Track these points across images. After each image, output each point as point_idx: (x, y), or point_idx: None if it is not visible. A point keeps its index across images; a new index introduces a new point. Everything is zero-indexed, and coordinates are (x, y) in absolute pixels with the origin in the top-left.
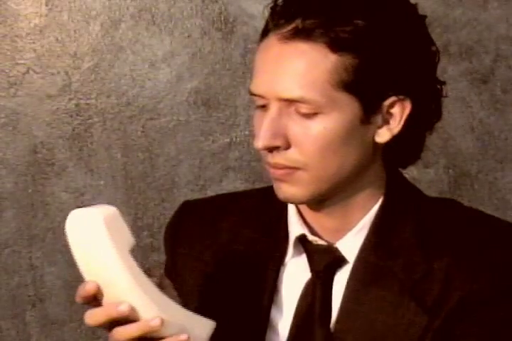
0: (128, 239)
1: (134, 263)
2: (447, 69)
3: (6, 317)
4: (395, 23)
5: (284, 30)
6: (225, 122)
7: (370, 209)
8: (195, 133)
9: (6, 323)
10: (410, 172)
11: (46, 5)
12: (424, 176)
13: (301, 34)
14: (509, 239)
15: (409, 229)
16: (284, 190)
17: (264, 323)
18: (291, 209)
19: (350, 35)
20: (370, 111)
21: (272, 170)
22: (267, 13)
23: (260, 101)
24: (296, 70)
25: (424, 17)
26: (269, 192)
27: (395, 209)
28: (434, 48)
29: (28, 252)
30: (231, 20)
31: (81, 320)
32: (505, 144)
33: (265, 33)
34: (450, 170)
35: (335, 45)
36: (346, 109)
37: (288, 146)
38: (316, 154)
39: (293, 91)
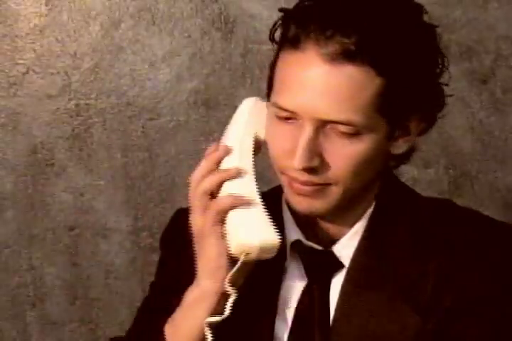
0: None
1: (251, 150)
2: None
3: (6, 318)
4: (423, 43)
5: (329, 49)
6: (225, 122)
7: (365, 213)
8: (195, 133)
9: (6, 323)
10: (410, 172)
11: (46, 5)
12: (424, 176)
13: (349, 55)
14: (502, 238)
15: (403, 231)
16: (308, 205)
17: (269, 329)
18: (287, 214)
19: (393, 58)
20: (395, 130)
21: (296, 186)
22: (266, 14)
23: (285, 114)
24: (344, 93)
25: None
26: (264, 196)
27: (388, 211)
28: (445, 62)
29: (28, 252)
30: (231, 20)
31: (81, 320)
32: (505, 144)
33: (295, 45)
34: (450, 170)
35: (381, 69)
36: (379, 129)
37: (322, 166)
38: (350, 172)
39: (340, 115)
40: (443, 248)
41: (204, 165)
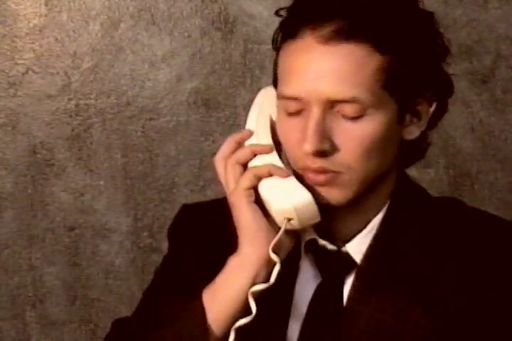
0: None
1: (269, 132)
2: (447, 70)
3: (5, 318)
4: (421, 22)
5: (323, 31)
6: (225, 122)
7: (379, 211)
8: (195, 133)
9: (6, 323)
10: (410, 172)
11: (46, 5)
12: (424, 176)
13: (343, 34)
14: None
15: (416, 230)
16: (325, 195)
17: (283, 328)
18: None
19: (392, 34)
20: (405, 110)
21: (310, 176)
22: (266, 14)
23: (293, 107)
24: (345, 71)
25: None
26: None
27: (402, 210)
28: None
29: (27, 252)
30: (231, 20)
31: (81, 320)
32: (505, 144)
33: (292, 35)
34: (450, 170)
35: (379, 45)
36: (387, 108)
37: (333, 150)
38: (361, 156)
39: (345, 92)
40: (456, 248)
41: (227, 144)
